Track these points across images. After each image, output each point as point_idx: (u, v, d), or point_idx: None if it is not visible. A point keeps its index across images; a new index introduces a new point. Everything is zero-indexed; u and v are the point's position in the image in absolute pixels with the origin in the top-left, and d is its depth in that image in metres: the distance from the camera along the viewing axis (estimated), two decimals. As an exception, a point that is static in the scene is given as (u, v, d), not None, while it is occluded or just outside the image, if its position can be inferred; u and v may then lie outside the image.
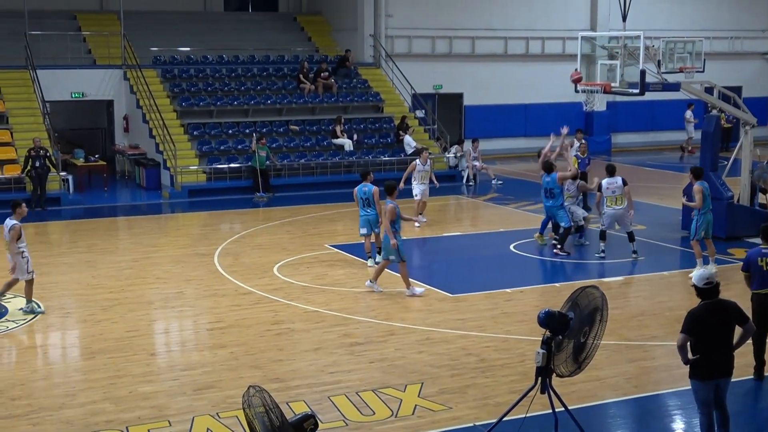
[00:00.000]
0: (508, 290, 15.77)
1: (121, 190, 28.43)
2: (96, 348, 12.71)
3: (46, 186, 24.82)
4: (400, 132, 30.18)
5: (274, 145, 28.44)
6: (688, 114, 36.42)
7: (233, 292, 15.71)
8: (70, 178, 26.98)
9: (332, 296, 15.38)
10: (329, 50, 34.86)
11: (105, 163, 29.18)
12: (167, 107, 29.29)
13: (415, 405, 10.46)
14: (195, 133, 28.84)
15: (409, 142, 29.61)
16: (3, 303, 14.95)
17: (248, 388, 7.02)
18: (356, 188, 17.50)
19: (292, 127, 29.86)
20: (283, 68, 32.61)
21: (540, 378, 8.96)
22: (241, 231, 21.08)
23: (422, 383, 11.12)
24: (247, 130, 28.85)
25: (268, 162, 27.01)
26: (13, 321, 14.03)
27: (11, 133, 26.97)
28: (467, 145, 30.21)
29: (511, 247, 19.37)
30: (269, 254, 18.59)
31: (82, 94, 30.07)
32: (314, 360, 12.10)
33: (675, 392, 11.02)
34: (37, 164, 24.53)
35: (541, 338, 8.96)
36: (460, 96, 36.47)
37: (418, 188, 21.61)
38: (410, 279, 15.40)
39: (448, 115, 35.83)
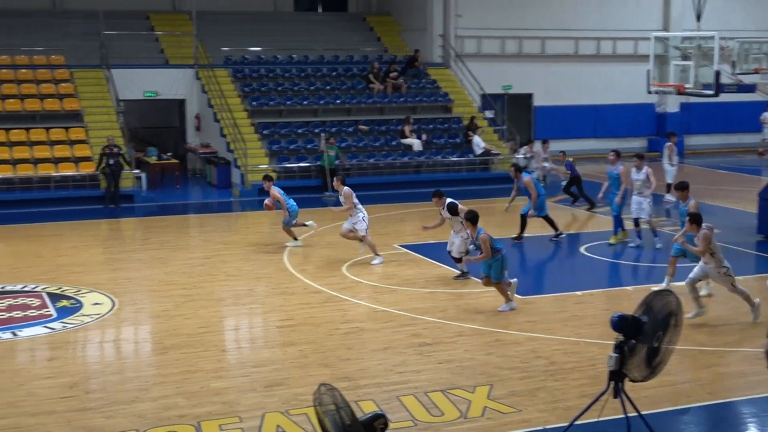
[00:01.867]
0: (578, 293, 15.61)
1: (192, 188, 28.80)
2: (169, 343, 12.88)
3: (119, 183, 25.24)
4: (469, 132, 30.09)
5: (343, 145, 28.56)
6: (765, 115, 35.69)
7: (302, 291, 15.80)
8: (143, 175, 27.43)
9: (401, 296, 15.38)
10: (398, 50, 34.88)
11: (177, 161, 29.59)
12: (238, 106, 29.58)
13: (485, 407, 10.40)
14: (265, 132, 29.09)
15: (478, 142, 29.52)
16: (78, 297, 15.24)
17: (319, 386, 7.04)
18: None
19: (361, 127, 29.95)
20: (352, 68, 32.73)
21: (612, 382, 8.85)
22: (310, 230, 21.20)
23: (491, 385, 11.06)
24: (317, 130, 29.01)
25: (337, 161, 27.13)
26: (87, 315, 14.28)
27: (86, 131, 27.48)
28: (537, 146, 29.98)
29: (582, 249, 19.19)
30: (338, 253, 18.66)
31: (155, 93, 30.50)
32: (383, 359, 12.11)
33: (750, 400, 10.81)
34: (111, 162, 24.96)
35: (613, 342, 8.85)
36: (529, 96, 36.25)
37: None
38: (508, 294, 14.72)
39: (517, 115, 35.63)
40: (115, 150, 25.23)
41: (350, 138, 29.55)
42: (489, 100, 33.10)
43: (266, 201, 19.83)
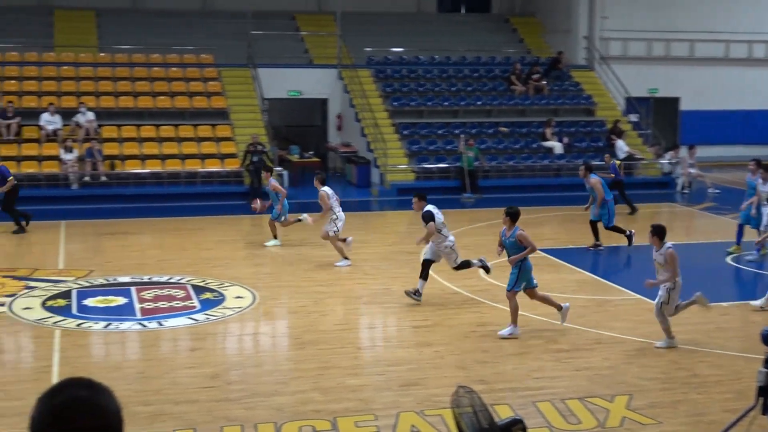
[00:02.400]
0: (723, 304, 15.09)
1: (332, 187, 29.04)
2: (306, 339, 13.06)
3: (262, 180, 25.76)
4: (612, 136, 29.52)
5: (482, 147, 28.44)
6: None
7: (439, 292, 15.79)
8: (285, 173, 27.93)
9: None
10: (541, 52, 34.52)
11: (318, 159, 30.03)
12: (379, 106, 29.82)
13: (623, 417, 10.16)
14: (405, 132, 29.23)
15: (622, 146, 28.93)
16: (221, 290, 15.63)
17: (457, 388, 7.00)
18: None
19: (501, 128, 29.76)
20: (494, 69, 32.57)
21: (761, 398, 8.51)
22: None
23: (631, 395, 10.79)
24: (457, 131, 28.98)
25: (476, 163, 27.04)
26: (229, 308, 14.62)
27: (232, 129, 28.18)
28: (683, 151, 29.18)
29: (728, 259, 18.56)
30: (475, 255, 18.55)
31: (299, 93, 31.03)
32: (519, 364, 11.99)
33: None
34: (255, 159, 25.53)
35: (763, 356, 8.51)
36: (676, 100, 35.32)
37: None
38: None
39: (663, 120, 34.76)
40: (259, 147, 25.79)
41: (490, 140, 29.41)
42: (633, 104, 32.39)
43: (254, 204, 19.89)
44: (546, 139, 29.30)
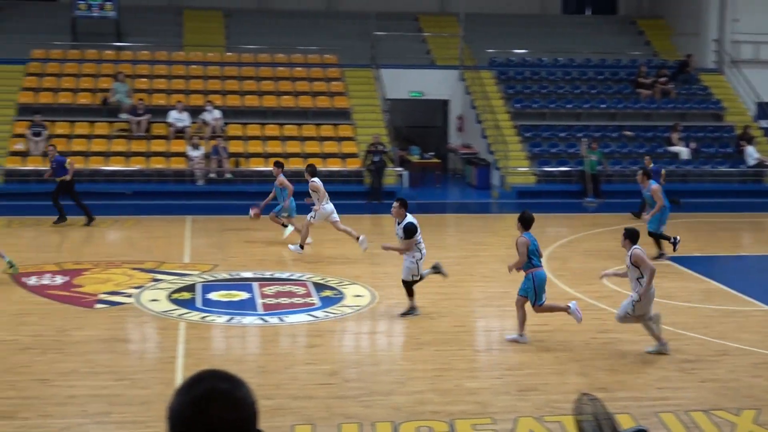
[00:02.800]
0: None
1: (452, 188, 29.14)
2: (424, 339, 13.05)
3: (382, 180, 25.91)
4: (742, 142, 28.63)
5: (606, 150, 27.96)
6: None
7: (559, 297, 15.55)
8: (405, 173, 28.02)
9: (663, 309, 14.77)
10: (669, 54, 33.75)
11: (438, 160, 30.03)
12: (501, 108, 29.64)
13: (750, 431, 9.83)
14: (527, 134, 28.97)
15: (752, 153, 28.05)
16: (341, 289, 15.76)
17: (580, 395, 6.87)
18: None
19: (626, 132, 29.20)
20: (619, 72, 32.00)
21: None
22: (568, 236, 20.89)
23: (759, 410, 10.42)
24: (579, 134, 28.57)
25: (599, 167, 26.59)
26: (348, 306, 14.73)
27: (354, 129, 28.41)
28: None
29: None
30: (597, 261, 18.25)
31: (421, 94, 31.09)
32: (642, 373, 11.72)
33: None
34: (376, 159, 25.68)
35: None
36: (811, 106, 34.02)
37: None
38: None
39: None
40: (380, 148, 25.94)
41: (614, 143, 28.90)
42: (765, 109, 31.33)
43: (252, 211, 19.81)
44: (672, 144, 28.61)
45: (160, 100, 28.72)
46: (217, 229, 22.08)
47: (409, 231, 13.96)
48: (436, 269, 14.55)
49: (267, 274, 16.80)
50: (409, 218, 14.15)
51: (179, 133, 27.27)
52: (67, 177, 21.65)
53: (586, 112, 30.05)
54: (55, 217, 21.52)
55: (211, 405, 2.68)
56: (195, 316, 14.03)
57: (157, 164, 26.47)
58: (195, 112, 27.78)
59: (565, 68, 32.19)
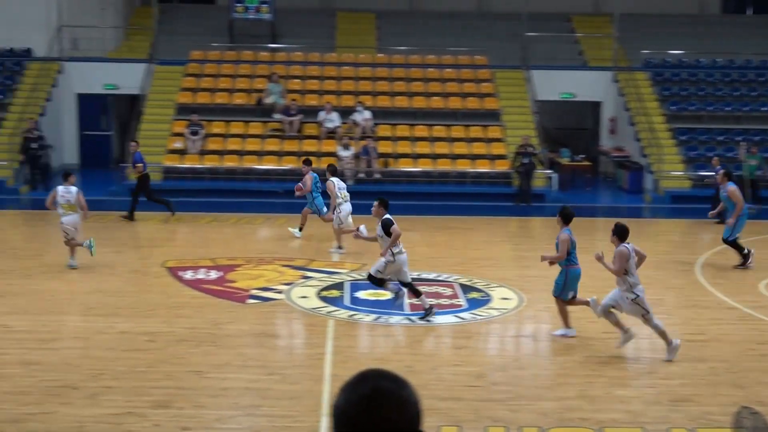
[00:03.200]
0: None
1: (602, 191, 28.59)
2: (573, 345, 12.82)
3: (531, 182, 25.64)
4: None
5: (767, 155, 26.88)
6: None
7: (716, 306, 15.06)
8: (554, 176, 27.65)
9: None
10: (837, 55, 32.21)
11: (589, 163, 29.51)
12: (655, 110, 28.92)
13: None
14: (682, 138, 28.16)
15: None
16: (488, 291, 15.66)
17: (740, 408, 6.61)
18: None
19: (788, 136, 28.02)
20: (782, 74, 30.75)
21: None
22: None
23: None
24: (738, 138, 27.58)
25: (758, 172, 25.59)
26: (495, 309, 14.62)
27: (503, 130, 28.22)
28: None
29: None
30: (755, 270, 17.56)
31: (572, 95, 30.64)
32: (804, 387, 11.19)
33: None
34: (525, 161, 25.43)
35: None
36: None
37: None
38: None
39: None
40: (530, 149, 25.68)
41: (775, 148, 27.77)
42: None
43: (298, 191, 19.92)
44: (838, 149, 27.29)
45: (312, 100, 29.22)
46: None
47: (386, 225, 13.65)
48: (398, 295, 14.05)
49: (414, 275, 16.81)
50: (388, 216, 13.88)
51: (330, 134, 27.67)
52: (135, 174, 22.50)
53: (745, 115, 28.98)
54: (168, 213, 22.19)
55: (377, 404, 2.67)
56: (343, 314, 14.20)
57: (308, 164, 26.91)
58: (346, 112, 28.14)
59: (724, 69, 31.12)
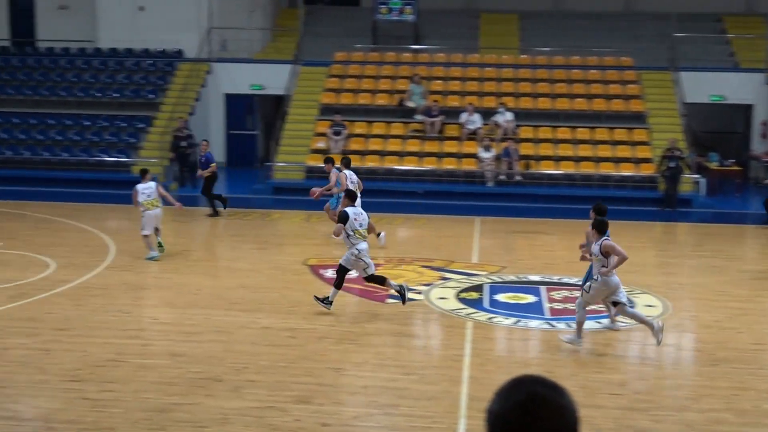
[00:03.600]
0: None
1: (753, 197, 27.58)
2: (719, 356, 12.40)
3: (678, 187, 24.96)
4: None
5: None
6: None
7: None
8: (702, 180, 26.83)
9: None
10: None
11: (740, 168, 28.53)
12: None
13: None
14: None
15: None
16: (631, 298, 15.29)
17: None
18: None
19: None
20: None
21: None
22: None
23: None
24: None
25: None
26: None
27: (649, 133, 27.56)
28: None
29: None
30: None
31: (722, 98, 29.71)
32: None
33: None
34: (672, 165, 24.77)
35: None
36: None
37: None
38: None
39: None
40: (677, 153, 25.00)
41: None
42: None
43: (313, 193, 19.99)
44: None
45: (453, 101, 29.20)
46: (505, 231, 22.12)
47: (339, 216, 14.22)
48: (399, 292, 14.12)
49: (555, 279, 16.63)
50: (349, 209, 14.23)
51: (471, 135, 27.59)
52: (207, 173, 22.70)
53: None
54: (212, 210, 22.47)
55: (533, 410, 2.62)
56: (482, 316, 14.12)
57: (449, 165, 26.92)
58: (487, 114, 28.01)
59: None
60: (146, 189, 17.72)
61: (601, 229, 12.40)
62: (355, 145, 27.65)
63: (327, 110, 28.77)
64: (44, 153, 28.17)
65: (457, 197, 25.51)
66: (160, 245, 17.70)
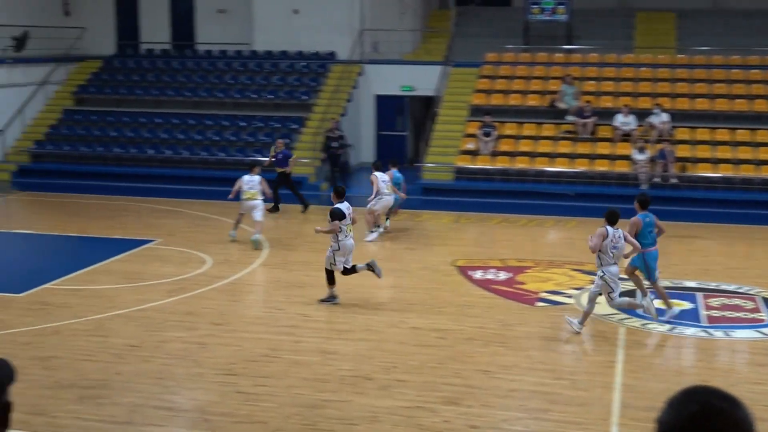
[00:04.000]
0: None
1: None
2: None
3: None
4: None
5: None
6: None
7: None
8: None
9: None
10: None
11: None
12: None
13: None
14: None
15: None
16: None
17: None
18: None
19: None
20: None
21: None
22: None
23: None
24: None
25: None
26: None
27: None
28: None
29: None
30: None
31: None
32: None
33: None
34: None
35: None
36: None
37: None
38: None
39: None
40: None
41: None
42: None
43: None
44: None
45: (606, 102, 28.62)
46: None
47: (332, 213, 14.54)
48: (370, 267, 14.70)
49: (712, 285, 16.08)
50: (338, 205, 14.68)
51: (625, 136, 26.99)
52: (288, 169, 23.38)
53: None
54: (271, 205, 22.45)
55: (707, 423, 2.50)
56: (635, 321, 13.79)
57: (601, 167, 26.40)
58: (641, 115, 27.33)
59: None
60: (251, 181, 19.21)
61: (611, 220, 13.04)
62: (505, 146, 27.46)
63: (477, 111, 28.66)
64: (202, 153, 29.06)
65: (609, 200, 24.95)
66: (256, 241, 18.80)
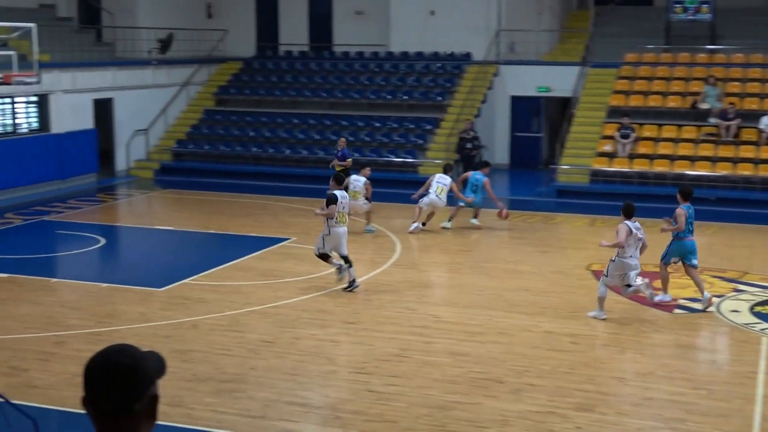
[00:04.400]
0: None
1: None
2: None
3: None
4: None
5: None
6: None
7: None
8: None
9: None
10: None
11: None
12: None
13: None
14: None
15: None
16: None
17: None
18: None
19: None
20: None
21: None
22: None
23: None
24: None
25: None
26: None
27: None
28: None
29: None
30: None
31: None
32: None
33: None
34: None
35: None
36: None
37: None
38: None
39: None
40: None
41: None
42: None
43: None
44: None
45: (752, 104, 27.64)
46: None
47: (327, 199, 15.06)
48: (341, 271, 15.09)
49: None
50: (337, 192, 15.31)
51: (770, 139, 26.01)
52: (343, 165, 23.12)
53: None
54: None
55: None
56: (779, 332, 13.25)
57: (745, 171, 25.51)
58: (789, 117, 26.28)
59: None
60: (356, 181, 20.01)
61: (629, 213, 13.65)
62: (643, 148, 26.83)
63: (615, 113, 28.09)
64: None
65: (753, 205, 24.14)
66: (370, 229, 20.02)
